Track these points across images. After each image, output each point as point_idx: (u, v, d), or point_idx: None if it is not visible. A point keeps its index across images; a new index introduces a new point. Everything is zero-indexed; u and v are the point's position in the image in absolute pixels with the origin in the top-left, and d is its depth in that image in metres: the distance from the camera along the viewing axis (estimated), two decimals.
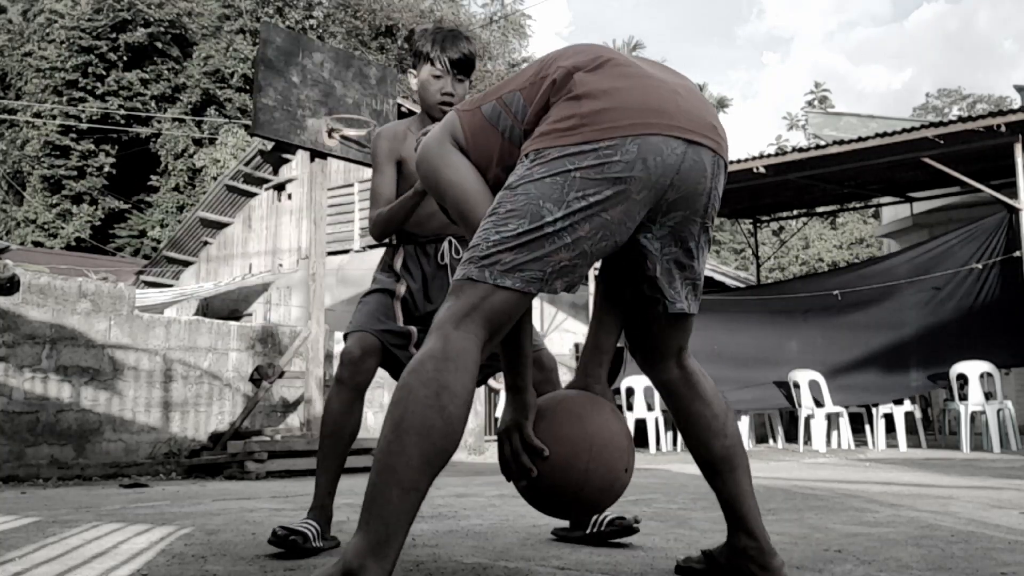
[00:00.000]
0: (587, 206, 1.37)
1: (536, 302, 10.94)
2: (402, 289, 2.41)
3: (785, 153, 9.42)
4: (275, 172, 14.86)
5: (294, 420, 7.61)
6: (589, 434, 1.53)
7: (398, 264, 2.45)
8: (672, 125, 1.42)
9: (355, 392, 2.30)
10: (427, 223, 2.44)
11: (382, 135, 2.49)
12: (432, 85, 2.42)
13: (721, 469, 1.62)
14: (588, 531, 2.25)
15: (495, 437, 9.82)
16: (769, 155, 9.53)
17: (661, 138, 1.40)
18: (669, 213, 1.48)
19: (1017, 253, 7.81)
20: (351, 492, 3.31)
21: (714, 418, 1.62)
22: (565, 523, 2.38)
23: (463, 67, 2.43)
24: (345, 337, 2.38)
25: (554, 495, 1.54)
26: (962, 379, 7.73)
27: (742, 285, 13.99)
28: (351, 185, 13.52)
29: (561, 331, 11.63)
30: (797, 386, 8.49)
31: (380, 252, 6.28)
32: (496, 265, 1.37)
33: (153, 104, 23.70)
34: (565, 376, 10.80)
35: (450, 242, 2.46)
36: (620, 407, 9.45)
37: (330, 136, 6.33)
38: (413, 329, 2.36)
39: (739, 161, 9.24)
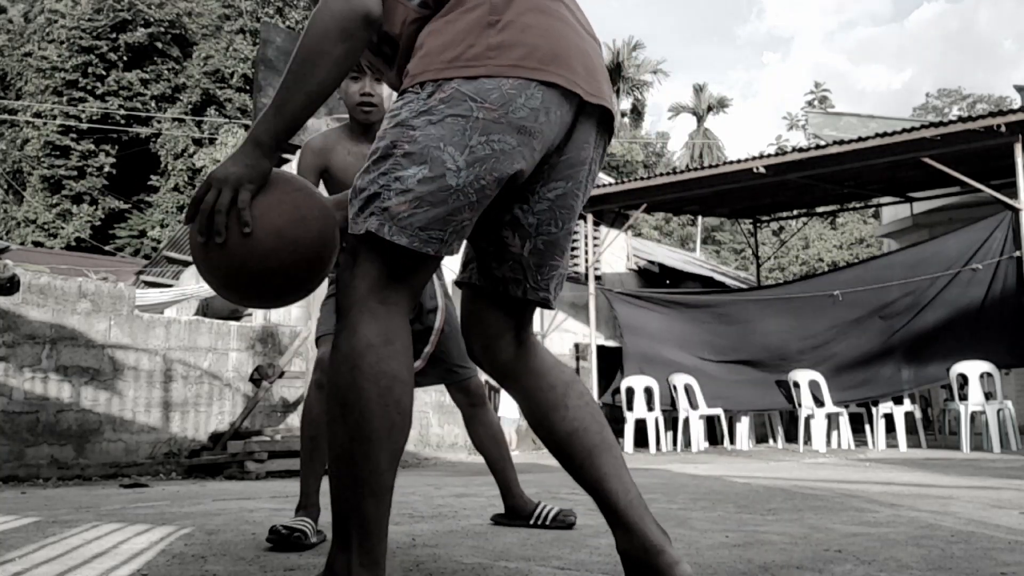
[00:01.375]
0: (491, 154, 1.23)
1: None
2: None
3: (785, 153, 9.42)
4: None
5: (294, 420, 7.61)
6: (295, 237, 1.32)
7: None
8: (574, 81, 1.30)
9: None
10: None
11: (308, 147, 2.52)
12: (350, 87, 2.44)
13: (573, 452, 1.37)
14: (532, 522, 2.56)
15: None
16: (769, 155, 9.53)
17: (561, 92, 1.29)
18: (550, 182, 1.35)
19: (1017, 253, 7.81)
20: None
21: (551, 389, 1.39)
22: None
23: None
24: (317, 341, 2.43)
25: (224, 272, 1.32)
26: (962, 379, 7.73)
27: (743, 285, 13.99)
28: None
29: (561, 331, 11.62)
30: (797, 386, 8.49)
31: None
32: (396, 220, 1.21)
33: (153, 104, 23.70)
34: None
35: None
36: (620, 407, 9.47)
37: None
38: None
39: (739, 161, 9.24)
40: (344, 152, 2.50)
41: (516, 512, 2.64)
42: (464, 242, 1.38)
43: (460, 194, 1.23)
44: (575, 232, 1.54)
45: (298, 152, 2.56)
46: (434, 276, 2.63)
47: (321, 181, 2.54)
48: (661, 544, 1.33)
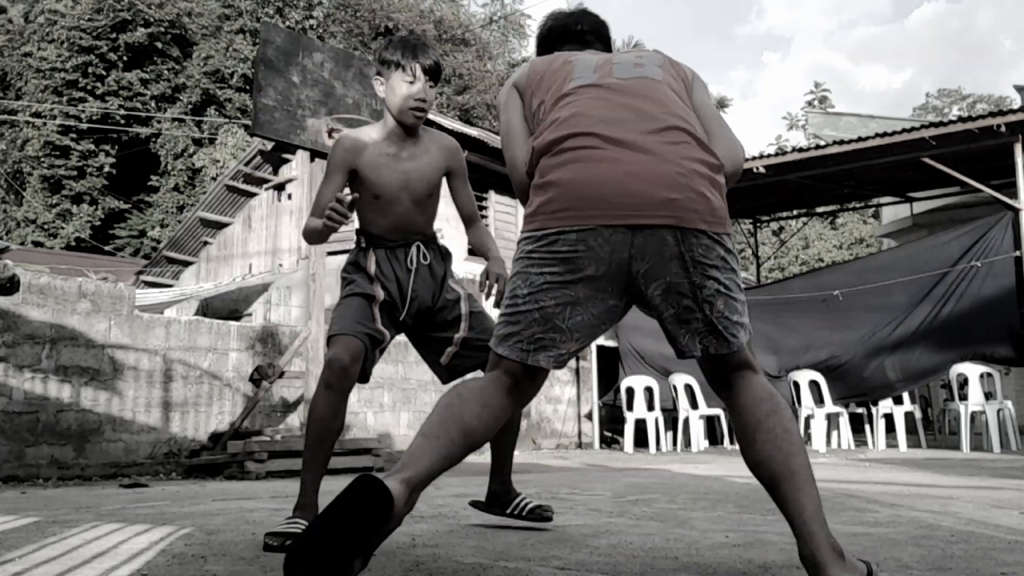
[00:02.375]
0: (544, 279, 1.62)
1: None
2: (380, 293, 2.47)
3: (785, 153, 9.43)
4: (275, 172, 14.85)
5: (294, 420, 7.61)
6: None
7: (372, 267, 2.50)
8: (610, 214, 1.57)
9: (341, 396, 2.39)
10: (391, 234, 2.52)
11: (340, 144, 2.52)
12: (403, 90, 2.45)
13: (760, 476, 1.63)
14: (509, 511, 2.59)
15: None
16: (769, 155, 9.54)
17: (599, 227, 1.57)
18: (650, 283, 1.61)
19: (1017, 253, 7.82)
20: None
21: (746, 425, 1.65)
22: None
23: (434, 74, 2.49)
24: (329, 340, 2.41)
25: None
26: (962, 379, 7.73)
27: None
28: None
29: None
30: (797, 386, 8.49)
31: None
32: (495, 335, 1.70)
33: (153, 104, 23.69)
34: (565, 384, 10.80)
35: (418, 247, 2.53)
36: (620, 407, 9.47)
37: (330, 136, 6.33)
38: (386, 333, 2.47)
39: None
40: (376, 152, 2.49)
41: (496, 499, 2.63)
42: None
43: (527, 315, 1.64)
44: (710, 298, 1.67)
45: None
46: (449, 275, 2.63)
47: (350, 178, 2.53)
48: (824, 560, 1.54)
